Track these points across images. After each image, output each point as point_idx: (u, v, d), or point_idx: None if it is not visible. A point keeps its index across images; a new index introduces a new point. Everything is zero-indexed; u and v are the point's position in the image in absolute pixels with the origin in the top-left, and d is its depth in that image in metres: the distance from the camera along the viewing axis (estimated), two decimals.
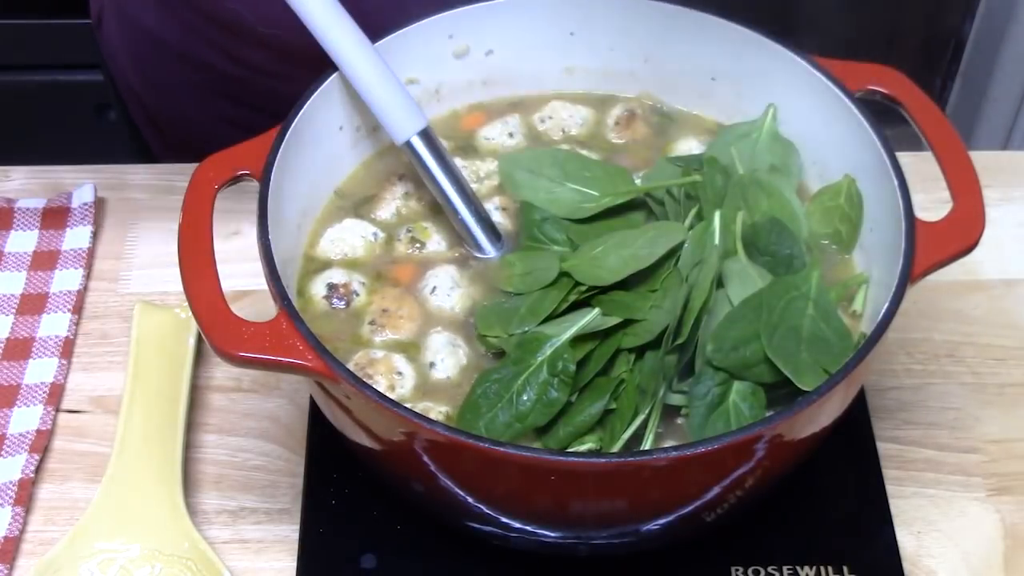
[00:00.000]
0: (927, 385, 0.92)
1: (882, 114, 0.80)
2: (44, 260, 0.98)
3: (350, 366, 0.74)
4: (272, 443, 0.88)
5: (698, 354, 0.73)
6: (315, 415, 0.87)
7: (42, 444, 0.87)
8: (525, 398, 0.71)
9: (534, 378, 0.72)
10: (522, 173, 0.84)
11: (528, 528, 0.73)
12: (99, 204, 1.02)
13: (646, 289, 0.76)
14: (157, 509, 0.82)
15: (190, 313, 0.69)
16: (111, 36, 1.20)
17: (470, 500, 0.71)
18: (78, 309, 0.95)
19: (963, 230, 0.74)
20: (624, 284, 0.76)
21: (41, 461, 0.86)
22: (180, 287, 0.70)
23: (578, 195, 0.83)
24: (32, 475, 0.85)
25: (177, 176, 1.04)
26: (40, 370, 0.91)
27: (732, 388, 0.72)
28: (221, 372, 0.92)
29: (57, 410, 0.90)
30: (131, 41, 1.18)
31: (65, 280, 0.97)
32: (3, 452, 0.86)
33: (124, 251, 1.00)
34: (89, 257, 0.99)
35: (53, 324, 0.94)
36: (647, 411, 0.72)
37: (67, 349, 0.93)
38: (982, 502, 0.86)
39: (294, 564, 0.81)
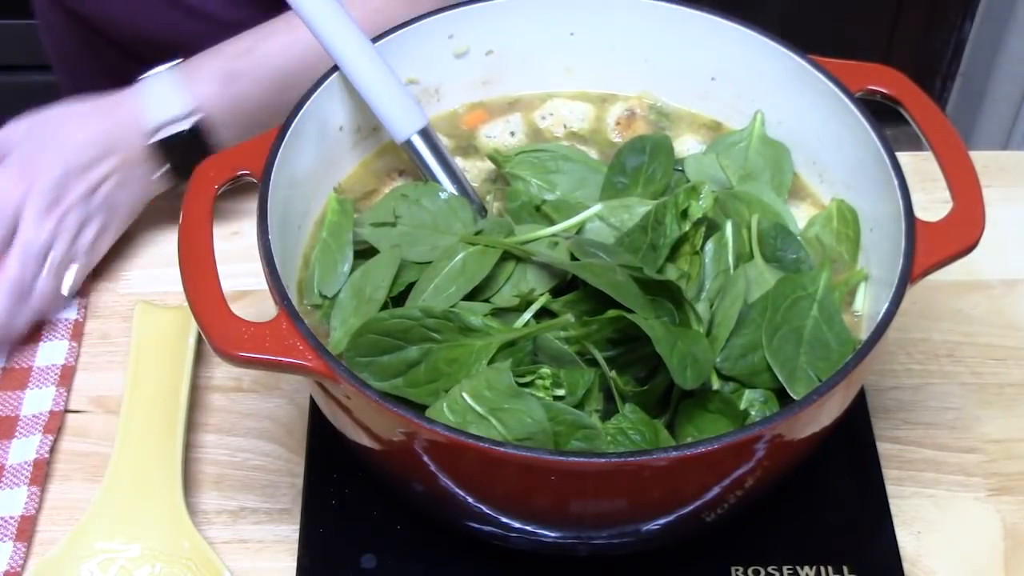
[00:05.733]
0: (927, 385, 0.92)
1: (882, 114, 0.80)
2: None
3: None
4: (272, 443, 0.88)
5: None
6: (315, 415, 0.87)
7: (56, 425, 0.88)
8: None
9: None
10: (521, 168, 0.84)
11: (528, 528, 0.73)
12: None
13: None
14: (157, 509, 0.82)
15: (190, 313, 0.69)
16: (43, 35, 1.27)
17: (470, 500, 0.71)
18: (86, 293, 0.96)
19: (963, 230, 0.73)
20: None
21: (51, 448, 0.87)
22: (180, 287, 0.70)
23: (575, 195, 0.83)
24: (47, 455, 0.86)
25: None
26: (51, 352, 0.92)
27: (743, 397, 0.72)
28: (221, 372, 0.92)
29: (69, 391, 0.90)
30: (55, 38, 1.25)
31: None
32: (18, 433, 0.87)
33: (124, 251, 1.00)
34: None
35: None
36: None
37: (77, 331, 0.94)
38: (982, 502, 0.86)
39: (294, 564, 0.81)
